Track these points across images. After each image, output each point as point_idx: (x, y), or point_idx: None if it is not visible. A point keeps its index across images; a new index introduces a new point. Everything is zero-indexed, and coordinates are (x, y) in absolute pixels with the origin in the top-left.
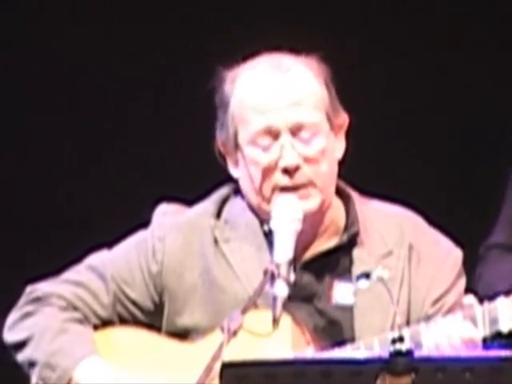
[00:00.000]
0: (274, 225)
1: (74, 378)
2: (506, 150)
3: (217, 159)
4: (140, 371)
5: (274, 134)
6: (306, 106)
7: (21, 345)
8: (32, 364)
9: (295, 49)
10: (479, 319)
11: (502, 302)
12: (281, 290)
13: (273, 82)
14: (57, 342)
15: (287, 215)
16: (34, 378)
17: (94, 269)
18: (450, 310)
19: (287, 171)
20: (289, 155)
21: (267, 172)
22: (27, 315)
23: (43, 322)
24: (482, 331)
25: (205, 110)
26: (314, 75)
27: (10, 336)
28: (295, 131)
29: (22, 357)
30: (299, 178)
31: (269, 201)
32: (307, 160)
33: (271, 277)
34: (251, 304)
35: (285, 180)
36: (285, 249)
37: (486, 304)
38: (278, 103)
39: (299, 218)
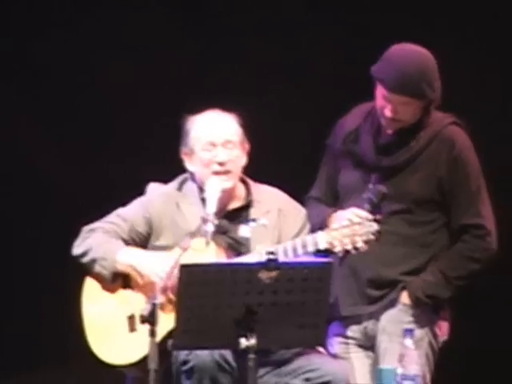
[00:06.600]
0: (207, 193)
1: (117, 259)
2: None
3: (178, 163)
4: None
5: (214, 146)
6: (230, 133)
7: (85, 253)
8: (94, 261)
9: (226, 109)
10: (308, 242)
11: (320, 233)
12: (209, 227)
13: (215, 121)
14: (105, 246)
15: (214, 188)
16: (97, 268)
17: (120, 215)
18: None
19: (220, 163)
20: (222, 155)
21: (209, 164)
22: (86, 238)
23: (96, 240)
24: (310, 248)
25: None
26: (234, 120)
27: (78, 250)
28: (225, 144)
29: (86, 259)
30: (226, 167)
31: (208, 180)
32: (229, 160)
33: (205, 221)
34: (195, 234)
35: (218, 168)
36: (212, 205)
37: (312, 234)
38: (218, 130)
39: (219, 189)
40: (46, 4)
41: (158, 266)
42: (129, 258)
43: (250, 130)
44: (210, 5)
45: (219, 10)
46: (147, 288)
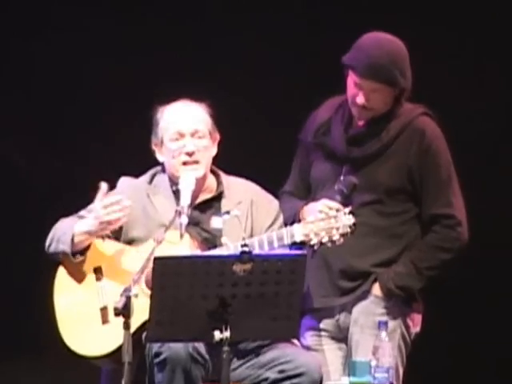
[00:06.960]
0: (181, 185)
1: (74, 230)
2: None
3: (150, 156)
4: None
5: (182, 136)
6: (199, 122)
7: (51, 241)
8: (57, 242)
9: (196, 98)
10: (285, 235)
11: (296, 225)
12: (184, 220)
13: (183, 111)
14: (64, 226)
15: (188, 180)
16: (60, 247)
17: (89, 210)
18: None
19: (188, 153)
20: (189, 145)
21: (177, 154)
22: (53, 230)
23: (58, 226)
24: (286, 241)
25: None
26: (204, 110)
27: (47, 242)
28: (193, 134)
29: (53, 246)
30: (195, 157)
31: (177, 171)
32: (198, 150)
33: (179, 213)
34: (169, 227)
35: (187, 158)
36: (186, 198)
37: (288, 227)
38: (185, 120)
39: (193, 182)
40: (46, 4)
41: (95, 210)
42: (82, 226)
43: (249, 128)
44: (209, 5)
45: (217, 10)
46: (120, 280)
